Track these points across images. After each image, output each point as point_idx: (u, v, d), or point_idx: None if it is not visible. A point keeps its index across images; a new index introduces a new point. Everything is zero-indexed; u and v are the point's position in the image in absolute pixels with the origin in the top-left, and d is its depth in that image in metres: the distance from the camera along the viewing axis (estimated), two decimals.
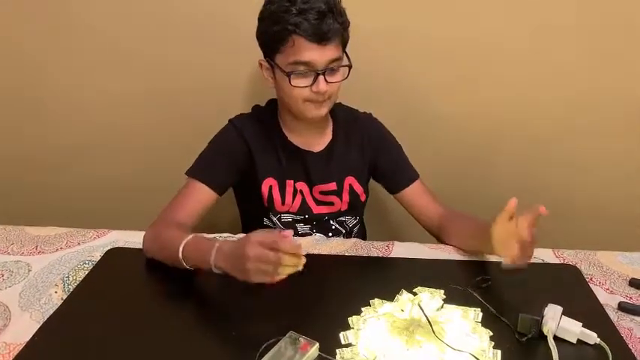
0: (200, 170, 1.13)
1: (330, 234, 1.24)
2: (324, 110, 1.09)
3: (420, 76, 1.44)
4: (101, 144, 1.57)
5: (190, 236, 0.94)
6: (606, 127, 1.47)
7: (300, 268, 0.81)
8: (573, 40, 1.37)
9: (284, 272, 0.80)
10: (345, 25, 1.04)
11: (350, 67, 1.07)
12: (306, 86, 1.04)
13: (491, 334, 0.84)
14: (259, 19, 1.06)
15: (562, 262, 1.08)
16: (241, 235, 1.15)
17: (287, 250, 0.78)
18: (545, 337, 0.82)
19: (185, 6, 1.37)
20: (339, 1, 1.04)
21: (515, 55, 1.40)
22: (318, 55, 1.01)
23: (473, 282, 0.97)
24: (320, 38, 0.99)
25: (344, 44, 1.08)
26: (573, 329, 0.83)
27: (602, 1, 1.32)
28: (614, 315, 0.92)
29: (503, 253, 0.91)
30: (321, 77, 1.02)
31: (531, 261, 1.07)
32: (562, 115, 1.46)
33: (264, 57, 1.09)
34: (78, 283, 0.98)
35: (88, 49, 1.44)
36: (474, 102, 1.47)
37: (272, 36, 1.03)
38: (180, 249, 0.92)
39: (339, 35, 1.03)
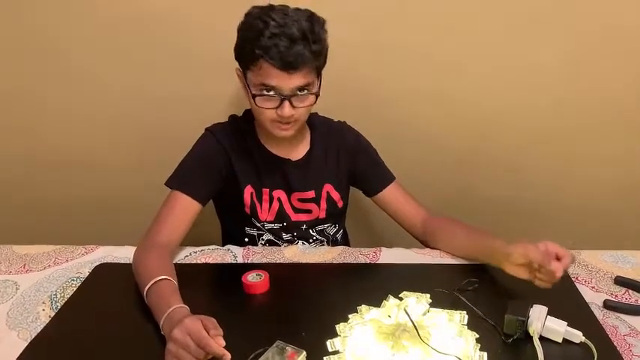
0: (182, 181, 1.13)
1: (311, 241, 1.25)
2: (290, 132, 1.09)
3: (402, 82, 1.44)
4: (87, 160, 1.57)
5: (158, 279, 0.92)
6: (590, 128, 1.48)
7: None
8: (558, 43, 1.38)
9: None
10: (318, 52, 1.01)
11: (317, 95, 1.06)
12: (271, 108, 1.04)
13: (477, 336, 0.84)
14: (237, 31, 1.05)
15: None
16: (234, 247, 1.16)
17: (210, 352, 0.75)
18: (531, 338, 0.83)
19: (165, 21, 1.38)
20: (318, 26, 1.01)
21: (500, 58, 1.41)
22: (284, 82, 0.99)
23: (459, 285, 0.98)
24: (287, 66, 0.97)
25: (318, 69, 1.06)
26: (559, 329, 0.84)
27: (588, 4, 1.33)
28: (599, 313, 0.93)
29: (514, 274, 0.96)
30: (286, 102, 1.01)
31: None
32: (546, 118, 1.47)
33: (240, 68, 1.09)
34: (66, 300, 0.98)
35: (69, 65, 1.44)
36: (459, 105, 1.47)
37: (244, 54, 1.02)
38: (146, 289, 0.92)
39: (311, 62, 1.00)
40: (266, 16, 0.98)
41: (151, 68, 1.44)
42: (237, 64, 1.08)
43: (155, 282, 0.92)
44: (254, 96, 1.03)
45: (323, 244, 1.26)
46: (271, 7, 1.01)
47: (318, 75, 1.07)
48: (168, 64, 1.43)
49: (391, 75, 1.44)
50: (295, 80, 1.00)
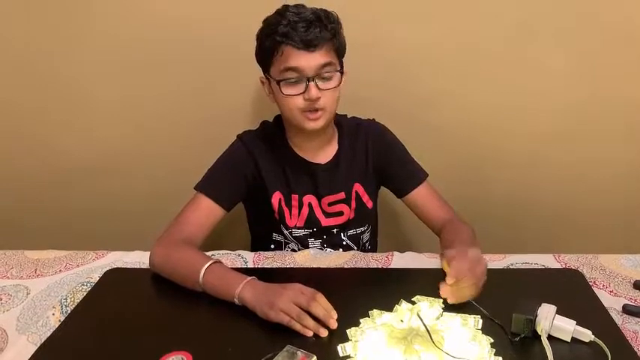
0: (207, 185, 1.15)
1: (341, 250, 1.23)
2: (320, 122, 1.09)
3: (418, 84, 1.44)
4: (103, 166, 1.57)
5: (211, 262, 0.97)
6: (604, 130, 1.46)
7: (323, 333, 0.84)
8: (575, 47, 1.37)
9: (305, 321, 0.84)
10: (334, 31, 1.06)
11: (342, 72, 1.08)
12: (297, 94, 1.05)
13: (492, 341, 0.82)
14: (257, 38, 1.10)
15: (564, 266, 1.07)
16: (244, 252, 1.16)
17: (321, 304, 0.86)
18: (539, 337, 0.81)
19: (190, 28, 1.39)
20: (331, 15, 1.07)
21: (512, 62, 1.40)
22: (305, 60, 1.03)
23: None
24: (307, 44, 1.02)
25: (338, 52, 1.09)
26: (567, 327, 0.82)
27: (596, 6, 1.32)
28: (619, 318, 0.91)
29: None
30: (311, 84, 1.04)
31: (532, 267, 1.07)
32: (560, 120, 1.46)
33: (263, 74, 1.12)
34: (76, 304, 0.97)
35: (92, 71, 1.45)
36: (473, 109, 1.47)
37: (265, 50, 1.06)
38: (202, 274, 0.95)
39: (329, 42, 1.05)
40: (282, 11, 1.05)
41: (179, 76, 1.45)
42: (260, 74, 1.12)
43: (210, 265, 0.96)
44: (279, 82, 1.05)
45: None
46: (286, 6, 1.06)
47: (340, 60, 1.10)
48: (183, 73, 1.45)
49: (406, 78, 1.43)
50: (317, 58, 1.03)
